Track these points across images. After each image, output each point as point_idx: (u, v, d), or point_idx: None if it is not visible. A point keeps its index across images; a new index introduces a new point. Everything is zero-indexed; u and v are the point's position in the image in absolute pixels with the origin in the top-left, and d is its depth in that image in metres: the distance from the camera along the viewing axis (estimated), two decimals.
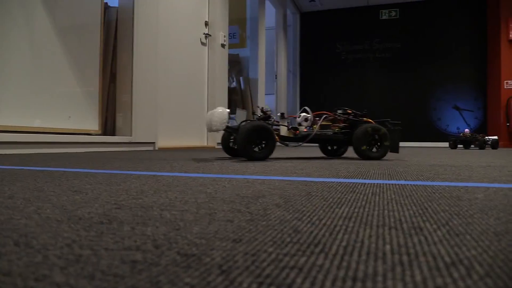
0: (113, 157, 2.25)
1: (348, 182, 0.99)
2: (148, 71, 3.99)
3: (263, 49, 6.97)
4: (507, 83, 6.95)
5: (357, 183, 0.98)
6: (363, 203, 0.67)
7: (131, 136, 3.78)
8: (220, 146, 5.28)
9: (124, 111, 3.84)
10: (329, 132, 2.23)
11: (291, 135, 2.16)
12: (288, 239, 0.43)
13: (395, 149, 2.16)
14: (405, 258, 0.36)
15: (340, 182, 1.00)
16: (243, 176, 1.14)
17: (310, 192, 0.80)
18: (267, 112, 2.16)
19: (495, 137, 5.38)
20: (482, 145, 5.22)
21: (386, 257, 0.37)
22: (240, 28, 7.44)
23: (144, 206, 0.63)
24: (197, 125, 5.12)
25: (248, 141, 1.86)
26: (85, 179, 1.06)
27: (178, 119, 4.73)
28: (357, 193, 0.80)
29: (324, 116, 2.26)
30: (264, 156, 1.92)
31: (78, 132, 3.32)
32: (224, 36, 5.60)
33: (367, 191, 0.83)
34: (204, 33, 5.28)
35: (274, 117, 2.19)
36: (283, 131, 2.26)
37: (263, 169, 1.40)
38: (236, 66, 7.16)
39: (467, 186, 0.91)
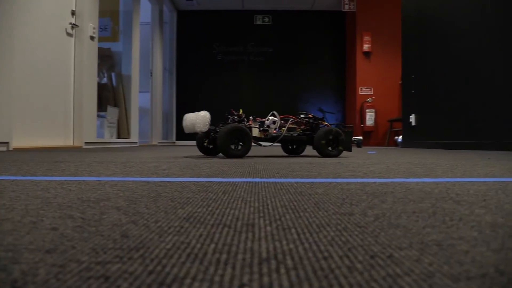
0: None
1: (205, 182, 0.99)
2: None
3: (137, 44, 6.70)
4: (361, 89, 7.84)
5: (213, 182, 0.98)
6: (210, 202, 0.67)
7: None
8: (89, 146, 4.92)
9: None
10: (295, 133, 2.51)
11: (262, 136, 2.41)
12: (111, 245, 0.40)
13: (349, 148, 2.50)
14: (224, 257, 0.36)
15: (197, 181, 1.00)
16: (97, 178, 1.06)
17: (160, 193, 0.77)
18: (241, 116, 2.39)
19: (360, 137, 6.04)
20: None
21: (205, 258, 0.36)
22: (112, 20, 7.02)
23: None
24: (61, 123, 4.68)
25: (228, 141, 2.10)
26: None
27: (39, 117, 4.26)
28: (209, 192, 0.80)
29: (291, 120, 2.52)
30: (241, 154, 2.16)
31: None
32: (94, 28, 5.22)
33: (220, 190, 0.83)
34: (71, 23, 4.86)
35: (246, 120, 2.41)
36: (255, 132, 2.42)
37: (122, 170, 1.33)
38: (107, 60, 6.74)
39: (313, 182, 0.98)
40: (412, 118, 5.64)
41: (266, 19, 8.83)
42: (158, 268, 0.33)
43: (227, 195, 0.76)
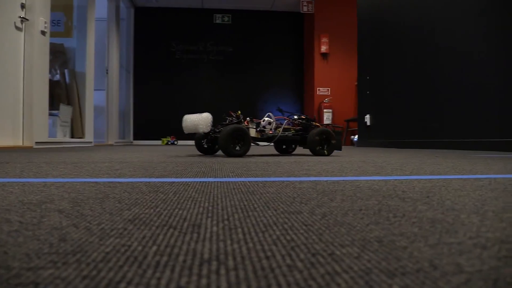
0: None
1: (157, 182, 0.97)
2: None
3: (92, 40, 6.48)
4: (319, 90, 7.99)
5: (165, 182, 0.97)
6: (159, 203, 0.66)
7: None
8: (40, 146, 4.70)
9: None
10: (289, 133, 2.66)
11: (259, 136, 2.55)
12: (47, 250, 0.38)
13: (339, 148, 2.64)
14: (164, 259, 0.36)
15: (149, 182, 0.97)
16: (43, 180, 1.02)
17: (108, 195, 0.75)
18: (239, 117, 2.49)
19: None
20: None
21: (144, 261, 0.35)
22: (66, 15, 6.75)
23: None
24: (10, 122, 4.44)
25: (229, 141, 2.21)
26: None
27: None
28: (159, 193, 0.78)
29: (286, 121, 2.68)
30: (242, 153, 2.27)
31: None
32: (45, 23, 5.00)
33: (171, 190, 0.82)
34: (20, 17, 4.63)
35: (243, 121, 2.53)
36: (252, 133, 2.53)
37: (72, 171, 1.28)
38: (60, 57, 6.47)
39: (266, 181, 0.99)
40: (367, 118, 5.81)
41: (226, 18, 8.80)
42: (93, 272, 0.32)
43: (177, 195, 0.74)
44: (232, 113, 2.55)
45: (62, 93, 6.25)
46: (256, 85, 8.85)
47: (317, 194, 0.77)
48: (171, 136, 8.44)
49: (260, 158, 2.25)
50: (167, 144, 8.21)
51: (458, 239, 0.43)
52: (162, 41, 8.74)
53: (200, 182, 0.98)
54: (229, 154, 2.23)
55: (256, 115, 8.78)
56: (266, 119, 2.61)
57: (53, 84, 6.06)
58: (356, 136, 6.49)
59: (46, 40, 5.07)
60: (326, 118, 7.79)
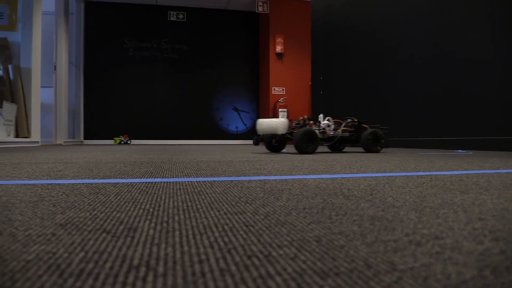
0: None
1: (100, 183, 0.93)
2: None
3: (38, 35, 6.16)
4: (274, 89, 8.06)
5: (109, 183, 0.93)
6: (97, 205, 0.62)
7: None
8: None
9: None
10: (346, 134, 3.08)
11: (321, 137, 2.94)
12: None
13: (386, 146, 3.17)
14: (89, 266, 0.33)
15: (91, 183, 0.93)
16: None
17: (44, 197, 0.70)
18: (305, 120, 2.99)
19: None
20: (257, 142, 6.16)
21: (68, 269, 0.33)
22: (9, 7, 6.37)
23: None
24: None
25: (303, 141, 2.65)
26: None
27: None
28: (100, 194, 0.74)
29: (344, 123, 3.14)
30: (312, 151, 2.71)
31: None
32: None
33: (113, 191, 0.78)
34: None
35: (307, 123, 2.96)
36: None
37: (9, 173, 1.20)
38: (3, 52, 6.11)
39: (214, 181, 0.97)
40: (321, 117, 5.92)
41: (181, 16, 8.67)
42: (7, 284, 0.29)
43: (119, 197, 0.71)
44: (299, 117, 3.03)
45: (6, 90, 5.91)
46: (211, 84, 8.79)
47: (263, 194, 0.76)
48: (124, 135, 8.20)
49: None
50: (120, 143, 7.97)
51: (395, 236, 0.44)
52: (115, 38, 8.48)
53: (146, 182, 0.95)
54: (302, 151, 2.67)
55: (210, 114, 8.72)
56: (326, 122, 3.09)
57: None
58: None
59: None
60: (281, 117, 7.87)
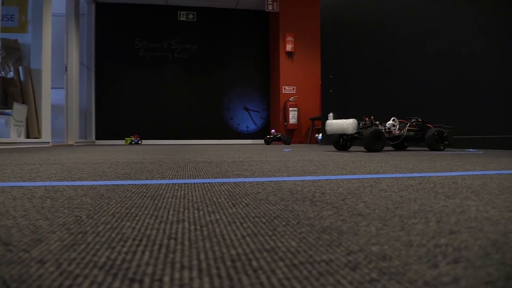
0: None
1: (58, 185, 0.87)
2: None
3: (48, 36, 6.20)
4: (284, 88, 7.97)
5: (64, 185, 0.87)
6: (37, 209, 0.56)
7: None
8: None
9: None
10: (411, 133, 3.21)
11: (387, 136, 3.11)
12: None
13: (451, 145, 3.24)
14: None
15: (49, 185, 0.87)
16: None
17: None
18: (372, 121, 3.11)
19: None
20: (268, 142, 6.86)
21: None
22: (20, 10, 6.44)
23: None
24: None
25: (371, 140, 2.82)
26: None
27: None
28: (53, 198, 0.68)
29: (409, 123, 3.22)
30: (380, 148, 2.87)
31: None
32: None
33: (67, 194, 0.72)
34: None
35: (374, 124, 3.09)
36: None
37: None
38: (14, 53, 6.17)
39: (193, 183, 0.91)
40: (331, 116, 5.82)
41: (190, 16, 8.65)
42: None
43: (53, 200, 0.65)
44: (366, 118, 3.15)
45: (16, 91, 5.97)
46: (221, 83, 8.75)
47: (225, 198, 0.69)
48: (135, 136, 8.22)
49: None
50: (130, 143, 7.99)
51: (333, 256, 0.36)
52: (125, 38, 8.50)
53: (91, 185, 0.88)
54: (371, 150, 2.83)
55: (221, 114, 8.70)
56: (391, 122, 3.18)
57: (5, 82, 5.78)
58: (321, 135, 6.50)
59: None
60: (292, 117, 7.77)
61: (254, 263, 0.34)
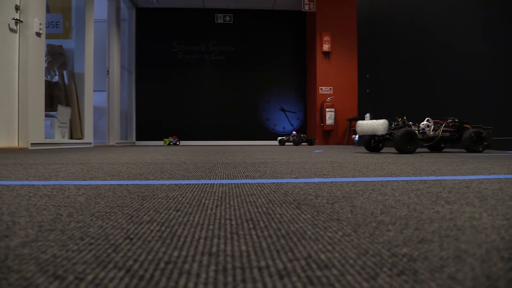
0: None
1: (66, 184, 0.90)
2: None
3: (90, 41, 6.47)
4: (321, 88, 7.87)
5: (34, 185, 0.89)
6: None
7: None
8: (36, 147, 4.69)
9: None
10: (447, 134, 3.09)
11: (421, 137, 3.02)
12: None
13: (490, 146, 3.02)
14: None
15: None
16: None
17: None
18: (405, 121, 3.01)
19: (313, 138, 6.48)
20: (297, 143, 6.72)
21: None
22: (64, 17, 6.77)
23: None
24: (4, 123, 4.43)
25: (403, 141, 2.73)
26: None
27: None
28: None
29: (444, 123, 3.11)
30: (413, 150, 2.78)
31: None
32: (40, 24, 4.99)
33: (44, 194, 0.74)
34: (14, 19, 4.62)
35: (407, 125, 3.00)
36: None
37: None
38: (59, 58, 6.49)
39: (181, 184, 0.91)
40: (367, 116, 5.68)
41: (227, 18, 8.74)
42: None
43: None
44: (398, 118, 3.07)
45: (61, 94, 6.26)
46: (258, 84, 8.77)
47: (213, 200, 0.69)
48: (173, 137, 8.41)
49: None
50: (169, 144, 8.17)
51: (272, 262, 0.35)
52: (164, 42, 8.72)
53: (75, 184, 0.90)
54: (402, 151, 2.75)
55: (257, 115, 8.71)
56: (425, 122, 3.07)
57: (51, 85, 6.07)
58: (357, 136, 6.36)
59: (41, 42, 5.06)
60: (329, 118, 7.66)
61: (186, 266, 0.33)
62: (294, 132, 7.41)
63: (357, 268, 0.33)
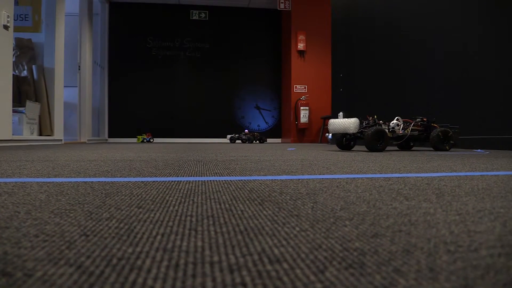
0: None
1: (28, 182, 0.88)
2: None
3: (61, 36, 6.30)
4: (296, 87, 7.93)
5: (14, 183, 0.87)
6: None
7: None
8: (2, 144, 4.54)
9: None
10: (415, 133, 3.16)
11: (391, 136, 3.09)
12: None
13: (455, 145, 3.12)
14: None
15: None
16: None
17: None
18: (375, 120, 3.10)
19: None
20: (251, 141, 7.39)
21: None
22: (33, 10, 6.56)
23: None
24: None
25: (373, 140, 2.82)
26: None
27: None
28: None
29: (413, 123, 3.17)
30: (382, 148, 2.86)
31: None
32: (8, 17, 4.83)
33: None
34: None
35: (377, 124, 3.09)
36: None
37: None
38: (28, 52, 6.29)
39: (132, 181, 0.90)
40: (340, 115, 5.76)
41: (203, 15, 8.68)
42: None
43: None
44: (369, 117, 3.14)
45: (30, 90, 6.08)
46: (233, 82, 8.76)
47: (177, 197, 0.68)
48: (147, 134, 8.30)
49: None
50: (142, 141, 8.06)
51: (223, 257, 0.35)
52: (138, 37, 8.59)
53: (48, 182, 0.89)
54: (372, 149, 2.83)
55: (232, 112, 8.70)
56: (395, 121, 3.13)
57: (19, 80, 5.89)
58: (331, 134, 6.44)
59: (8, 35, 4.90)
60: (303, 116, 7.73)
61: (139, 262, 0.33)
62: (246, 131, 7.78)
63: (308, 262, 0.34)
